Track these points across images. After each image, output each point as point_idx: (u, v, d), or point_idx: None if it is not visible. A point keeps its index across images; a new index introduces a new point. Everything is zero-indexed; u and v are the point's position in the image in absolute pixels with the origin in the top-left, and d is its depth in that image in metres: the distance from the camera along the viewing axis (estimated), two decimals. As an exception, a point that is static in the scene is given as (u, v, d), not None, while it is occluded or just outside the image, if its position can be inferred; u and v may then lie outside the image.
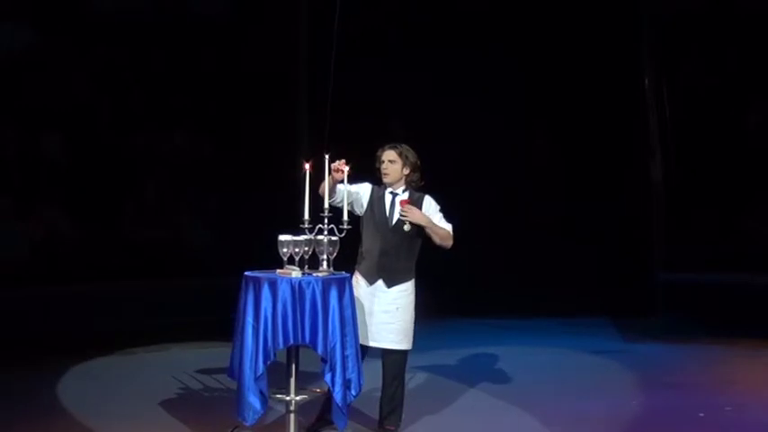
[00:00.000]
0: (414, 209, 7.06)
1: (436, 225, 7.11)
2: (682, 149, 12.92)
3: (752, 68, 12.68)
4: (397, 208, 7.12)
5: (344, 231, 6.79)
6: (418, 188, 7.26)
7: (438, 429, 7.51)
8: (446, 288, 11.92)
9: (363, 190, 7.19)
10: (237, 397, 6.54)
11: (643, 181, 13.12)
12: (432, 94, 12.81)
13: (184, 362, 9.44)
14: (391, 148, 7.22)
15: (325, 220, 6.69)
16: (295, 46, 13.04)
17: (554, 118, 13.47)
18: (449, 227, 7.19)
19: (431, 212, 7.15)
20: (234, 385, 6.69)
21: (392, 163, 7.17)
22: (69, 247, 11.68)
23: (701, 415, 7.84)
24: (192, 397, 8.31)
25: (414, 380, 8.75)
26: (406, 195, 7.17)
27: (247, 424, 6.56)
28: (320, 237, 6.66)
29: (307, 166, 6.84)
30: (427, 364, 9.41)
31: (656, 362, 10.14)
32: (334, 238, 6.69)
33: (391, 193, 7.19)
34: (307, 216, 6.66)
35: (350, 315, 6.61)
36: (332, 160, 6.85)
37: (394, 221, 7.12)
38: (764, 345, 10.49)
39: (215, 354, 9.29)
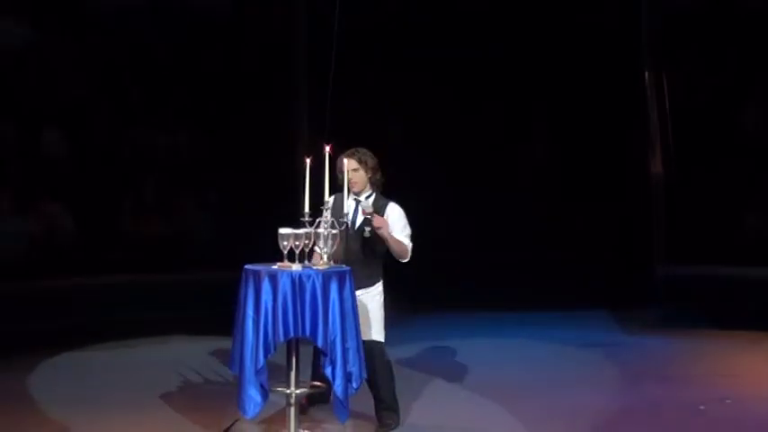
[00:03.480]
0: (380, 218, 6.99)
1: (395, 239, 7.04)
2: (682, 144, 12.91)
3: (752, 68, 12.66)
4: (359, 214, 7.08)
5: (344, 225, 6.82)
6: (382, 187, 7.20)
7: (435, 421, 7.50)
8: (444, 280, 11.96)
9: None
10: (238, 390, 6.55)
11: (643, 173, 13.12)
12: (432, 94, 12.81)
13: (185, 355, 9.44)
14: (350, 156, 7.15)
15: (325, 213, 6.70)
16: (295, 46, 13.03)
17: (554, 114, 13.48)
18: (407, 241, 7.13)
19: (393, 219, 7.09)
20: (234, 378, 6.70)
21: (356, 171, 7.12)
22: (69, 242, 11.67)
23: (702, 407, 7.84)
24: (192, 390, 8.33)
25: (410, 372, 8.76)
26: (370, 202, 7.10)
27: (248, 417, 6.58)
28: (320, 230, 6.67)
29: (308, 160, 6.86)
30: (424, 357, 9.47)
31: (657, 354, 10.15)
32: (334, 232, 6.70)
33: (355, 199, 7.17)
34: (307, 209, 6.68)
35: (350, 308, 6.60)
36: (333, 152, 6.87)
37: (356, 227, 7.05)
38: (764, 337, 10.50)
39: (215, 347, 9.31)
